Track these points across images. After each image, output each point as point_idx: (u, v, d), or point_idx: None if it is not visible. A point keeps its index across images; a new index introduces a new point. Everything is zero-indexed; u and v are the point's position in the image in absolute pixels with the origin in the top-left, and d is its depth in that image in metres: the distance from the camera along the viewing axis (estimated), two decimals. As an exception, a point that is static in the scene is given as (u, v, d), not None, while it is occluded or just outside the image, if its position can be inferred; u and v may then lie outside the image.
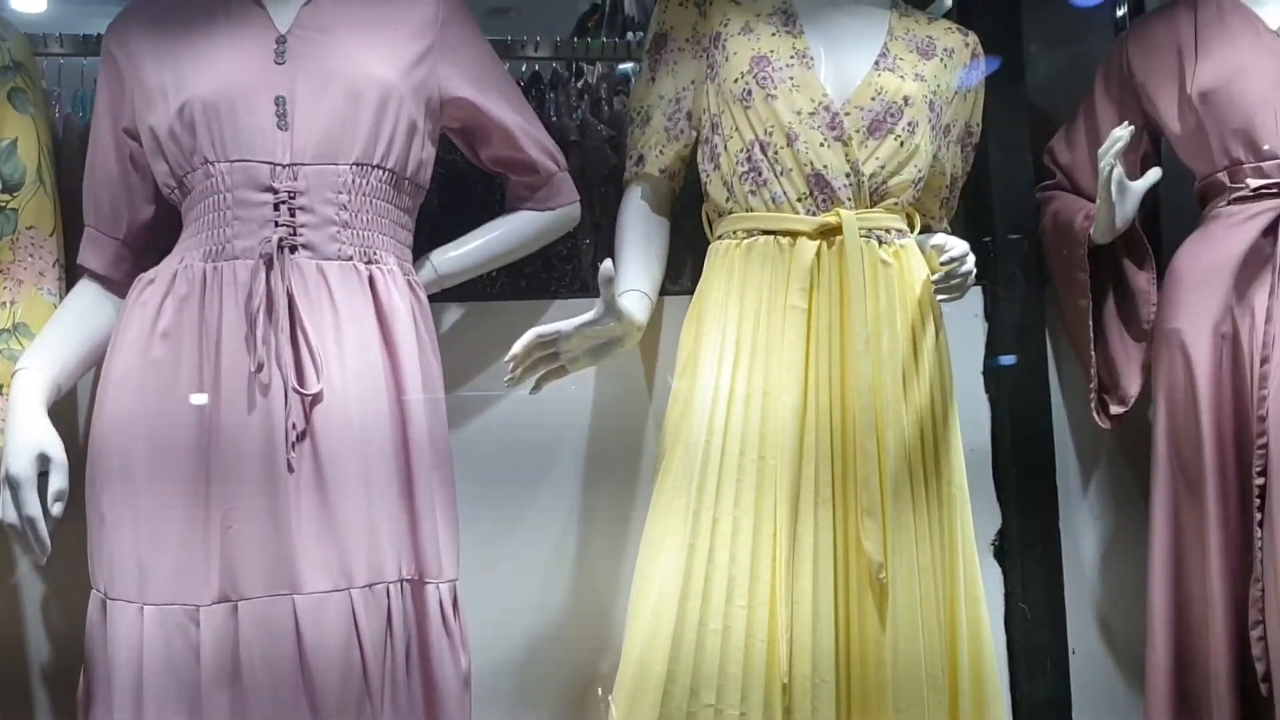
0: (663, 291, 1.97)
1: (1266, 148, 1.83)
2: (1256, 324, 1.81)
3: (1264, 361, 1.78)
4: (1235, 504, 1.82)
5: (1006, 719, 1.83)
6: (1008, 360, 2.08)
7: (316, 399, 1.58)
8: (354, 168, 1.65)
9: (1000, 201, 2.10)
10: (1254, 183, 1.84)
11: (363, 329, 1.64)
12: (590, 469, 1.97)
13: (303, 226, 1.63)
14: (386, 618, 1.58)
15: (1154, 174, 1.92)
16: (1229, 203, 1.88)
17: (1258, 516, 1.77)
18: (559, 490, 1.96)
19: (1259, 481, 1.77)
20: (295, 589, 1.51)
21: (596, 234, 2.04)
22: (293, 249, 1.62)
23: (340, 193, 1.65)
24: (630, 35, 2.55)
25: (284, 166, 1.62)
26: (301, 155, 1.63)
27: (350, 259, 1.65)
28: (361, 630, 1.54)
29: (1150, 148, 2.09)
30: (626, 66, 2.35)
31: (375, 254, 1.68)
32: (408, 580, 1.63)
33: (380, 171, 1.68)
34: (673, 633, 1.67)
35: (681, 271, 2.03)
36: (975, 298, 2.12)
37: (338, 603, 1.53)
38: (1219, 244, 1.88)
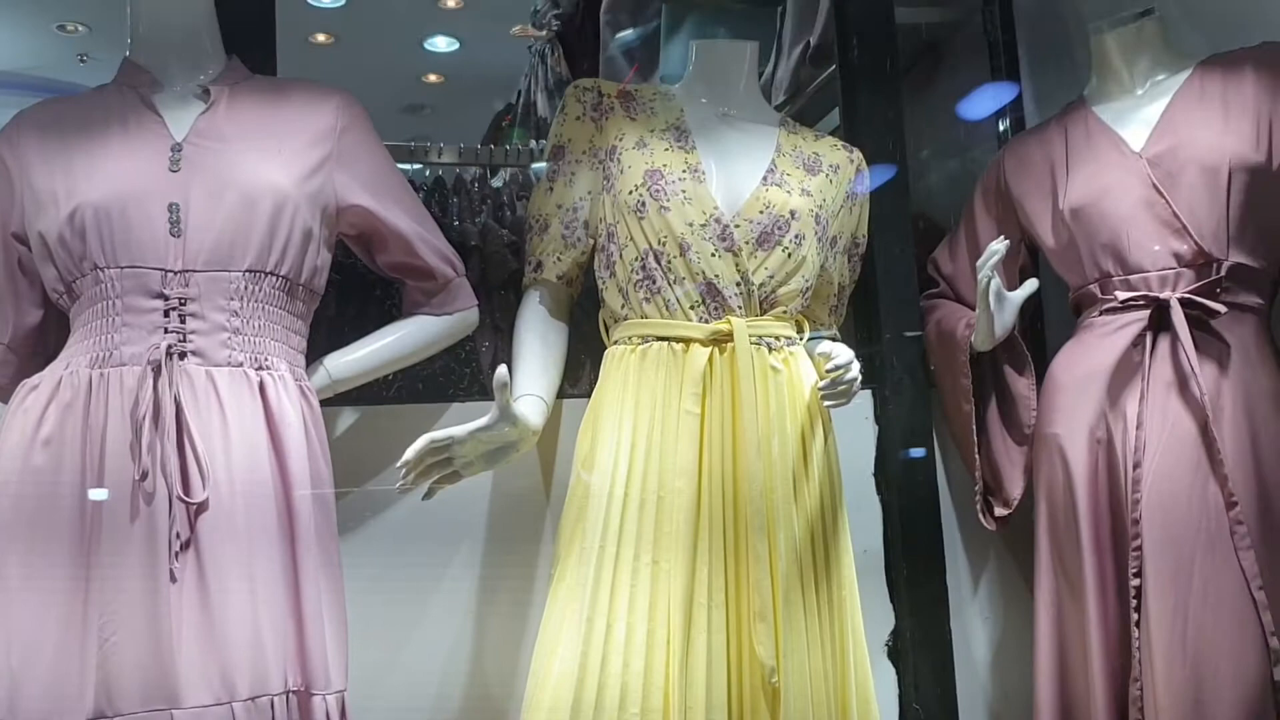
0: (562, 394, 1.99)
1: (1132, 262, 1.93)
2: (1129, 429, 1.88)
3: (1136, 465, 1.85)
4: (1114, 604, 1.87)
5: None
6: (907, 455, 2.14)
7: (202, 508, 1.57)
8: (247, 274, 1.66)
9: (887, 309, 2.17)
10: (1122, 295, 1.93)
11: (251, 436, 1.63)
12: (486, 573, 1.97)
13: (192, 333, 1.62)
14: (271, 730, 1.55)
15: (1030, 285, 2.01)
16: (1100, 313, 1.97)
17: (1134, 617, 1.82)
18: (454, 595, 1.95)
19: (1135, 582, 1.83)
20: (174, 703, 1.48)
21: (496, 337, 2.07)
22: (182, 355, 1.61)
23: (232, 299, 1.65)
24: (536, 142, 2.61)
25: (175, 273, 1.62)
26: (193, 262, 1.63)
27: (240, 365, 1.65)
28: (243, 745, 1.50)
29: (1028, 259, 2.18)
30: (540, 165, 2.40)
31: (266, 360, 1.68)
32: (294, 691, 1.60)
33: (274, 278, 1.69)
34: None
35: (580, 375, 2.06)
36: (865, 401, 2.18)
37: (218, 717, 1.50)
38: (1092, 352, 1.96)
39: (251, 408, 1.64)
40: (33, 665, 1.50)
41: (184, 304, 1.63)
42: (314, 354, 1.81)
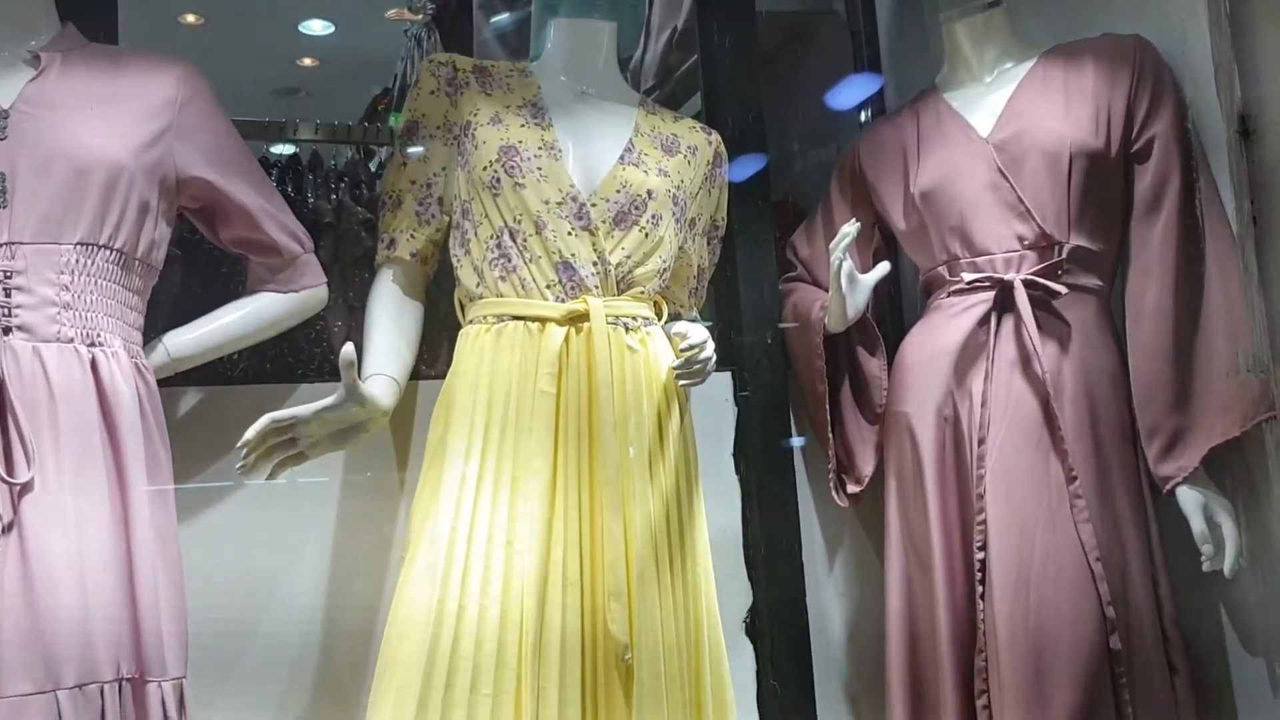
0: (418, 376, 1.96)
1: (979, 244, 1.98)
2: (975, 407, 1.93)
3: (981, 442, 1.90)
4: (961, 578, 1.92)
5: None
6: (765, 436, 2.16)
7: (26, 489, 1.50)
8: (78, 248, 1.60)
9: (746, 292, 2.19)
10: (969, 276, 1.98)
11: (82, 415, 1.56)
12: (338, 559, 1.92)
13: (19, 307, 1.55)
14: (100, 718, 1.49)
15: (882, 268, 2.05)
16: (948, 295, 2.02)
17: (979, 590, 1.87)
18: (302, 582, 1.90)
19: (979, 556, 1.88)
20: (-9, 693, 1.41)
21: (350, 317, 2.02)
22: (7, 330, 1.54)
23: (62, 273, 1.58)
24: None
25: (1, 245, 1.55)
26: (20, 234, 1.56)
27: (71, 341, 1.58)
28: (68, 735, 1.44)
29: (882, 243, 2.23)
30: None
31: (99, 336, 1.61)
32: (127, 679, 1.54)
33: (107, 252, 1.62)
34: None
35: (438, 356, 2.03)
36: (725, 383, 2.19)
37: (41, 706, 1.43)
38: (940, 333, 2.01)
39: (82, 385, 1.58)
40: None
41: (9, 277, 1.55)
42: (157, 334, 1.75)
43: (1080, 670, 1.79)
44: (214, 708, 1.73)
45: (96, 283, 1.62)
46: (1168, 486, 1.88)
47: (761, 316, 2.18)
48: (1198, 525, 1.86)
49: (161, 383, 1.73)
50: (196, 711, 1.63)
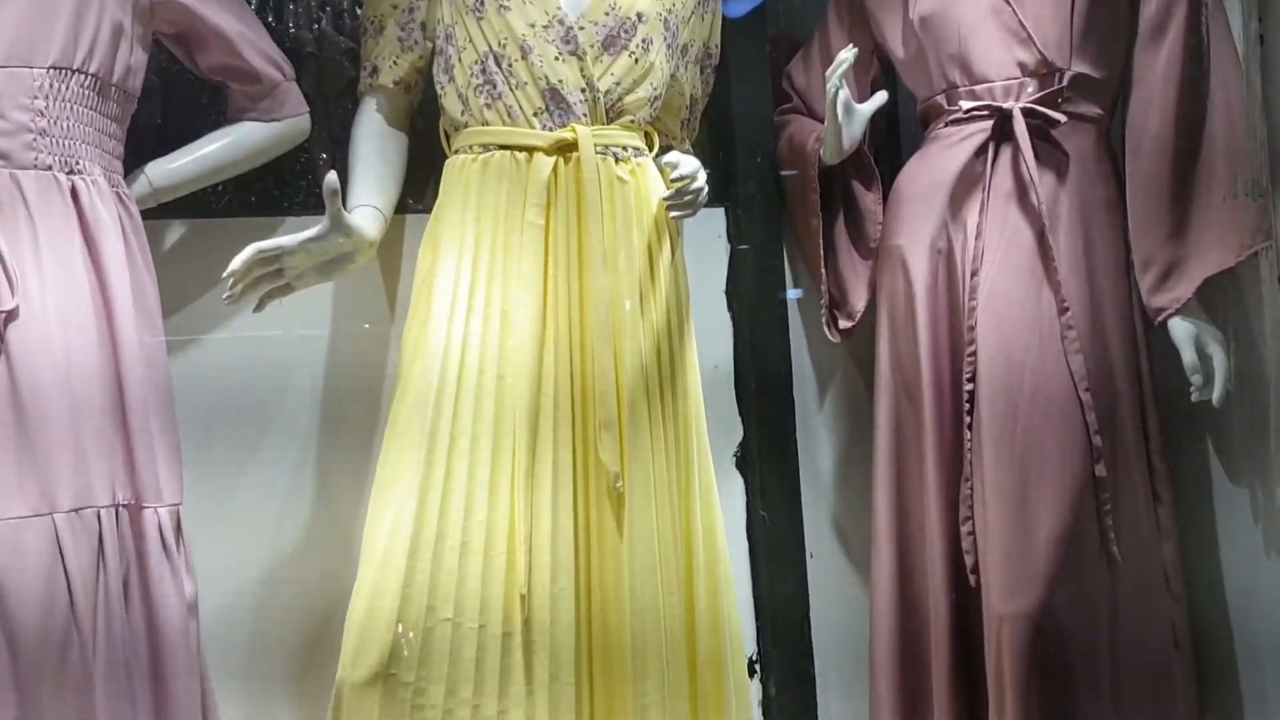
0: (405, 209, 1.94)
1: (978, 71, 1.93)
2: (969, 239, 1.91)
3: (974, 274, 1.89)
4: (949, 409, 1.93)
5: (742, 617, 1.91)
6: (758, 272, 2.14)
7: (11, 316, 1.50)
8: (51, 71, 1.56)
9: (741, 125, 2.14)
10: (967, 105, 1.93)
11: (65, 243, 1.55)
12: (329, 394, 1.93)
13: None
14: (98, 544, 1.52)
15: (879, 97, 2.00)
16: (946, 124, 1.98)
17: (967, 420, 1.88)
18: (295, 417, 1.91)
19: (968, 388, 1.88)
20: (-13, 516, 1.43)
21: (335, 149, 1.98)
22: (-19, 157, 1.51)
23: (36, 98, 1.55)
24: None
25: None
26: None
27: (49, 169, 1.56)
28: (67, 557, 1.47)
29: (880, 72, 2.16)
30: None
31: (78, 164, 1.59)
32: (123, 505, 1.56)
33: (82, 76, 1.58)
34: (409, 549, 1.66)
35: (424, 189, 1.99)
36: (718, 219, 2.17)
37: (38, 529, 1.46)
38: (936, 164, 1.97)
39: (63, 213, 1.56)
40: None
41: (-19, 103, 1.52)
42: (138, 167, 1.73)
43: (1065, 497, 1.81)
44: (209, 541, 1.75)
45: (73, 108, 1.59)
46: (1160, 318, 1.88)
47: (756, 150, 2.14)
48: (1188, 356, 1.86)
49: (145, 215, 1.71)
50: (193, 541, 1.66)
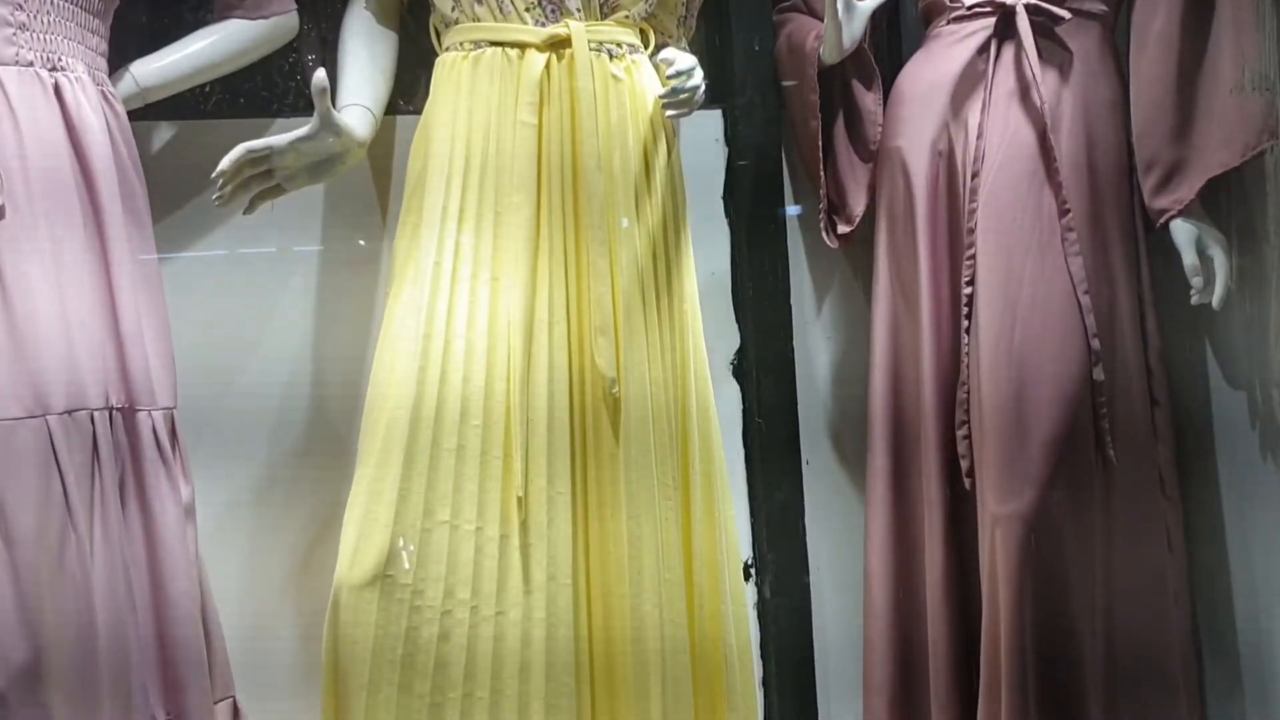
0: (396, 110, 1.90)
1: (981, -34, 1.89)
2: (970, 140, 1.88)
3: (975, 175, 1.86)
4: (948, 313, 1.92)
5: (735, 534, 1.91)
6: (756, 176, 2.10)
7: (-2, 215, 1.47)
8: None
9: (739, 24, 2.09)
10: (969, 1, 1.89)
11: (49, 141, 1.52)
12: (322, 297, 1.91)
13: None
14: (92, 445, 1.51)
15: (879, -6, 1.95)
16: (948, 22, 1.93)
17: (965, 324, 1.87)
18: (289, 319, 1.89)
19: (966, 290, 1.87)
20: (-20, 417, 1.42)
21: (323, 49, 1.94)
22: (-42, 54, 1.47)
23: (14, -9, 1.51)
24: None
25: None
26: None
27: (31, 65, 1.52)
28: (61, 459, 1.46)
29: (882, -29, 2.11)
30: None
31: (60, 61, 1.55)
32: (116, 409, 1.55)
33: None
34: (404, 455, 1.65)
35: (415, 90, 1.96)
36: (715, 121, 2.13)
37: (32, 430, 1.45)
38: (938, 63, 1.94)
39: (47, 111, 1.53)
40: None
41: (-43, -3, 1.48)
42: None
43: (1062, 400, 1.81)
44: (204, 442, 1.75)
45: (54, 3, 1.54)
46: (1161, 219, 1.86)
47: (754, 50, 2.09)
48: (1189, 258, 1.84)
49: (133, 116, 1.67)
50: (187, 452, 1.65)
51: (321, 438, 1.89)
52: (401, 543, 1.64)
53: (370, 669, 1.63)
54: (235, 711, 1.68)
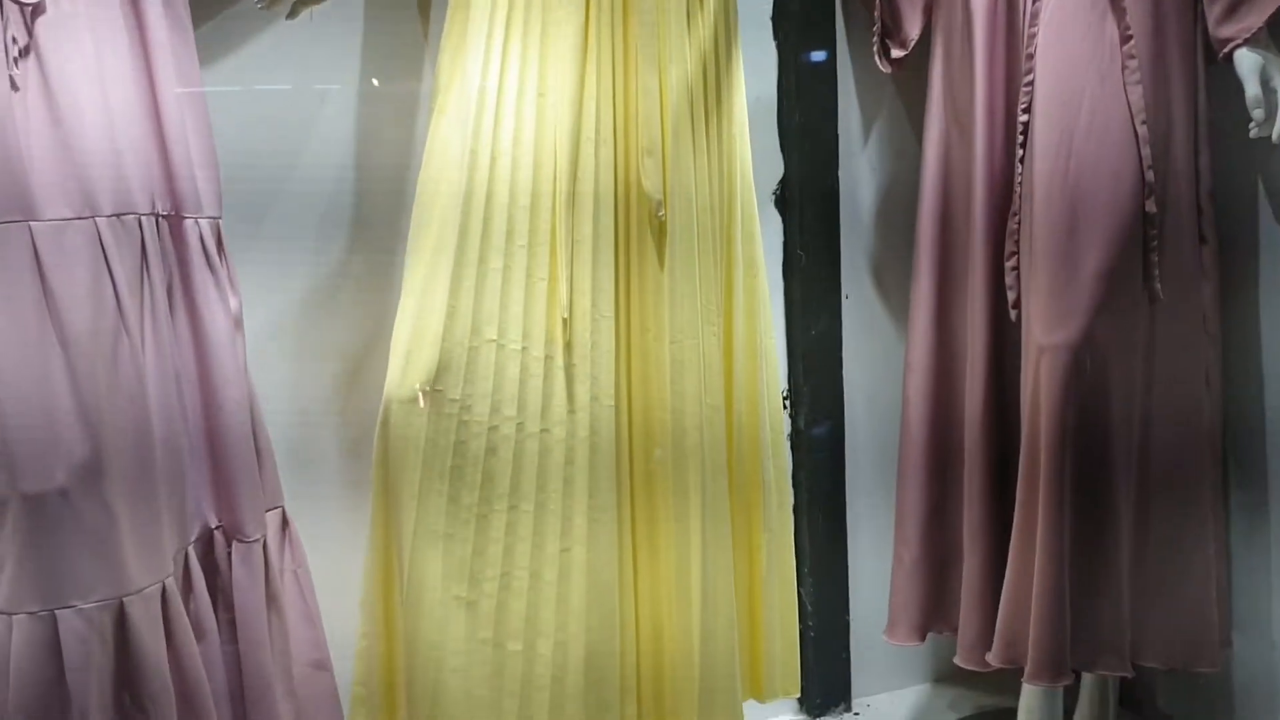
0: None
1: None
2: (1033, -37, 1.81)
3: (1035, 0, 1.80)
4: (1001, 141, 1.88)
5: (774, 352, 1.92)
6: None
7: (39, 10, 1.42)
8: None
9: None
10: None
11: None
12: (365, 110, 1.86)
13: None
14: (141, 251, 1.50)
15: None
16: None
17: (1020, 153, 1.83)
18: (332, 130, 1.85)
19: (1023, 118, 1.83)
20: (30, 215, 1.40)
21: None
22: None
23: None
24: None
25: None
26: None
27: None
28: (112, 260, 1.45)
29: None
30: None
31: None
32: (163, 216, 1.54)
33: None
34: (452, 272, 1.65)
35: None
36: (765, -58, 2.06)
37: (82, 231, 1.44)
38: (1004, -124, 1.85)
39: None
40: None
41: None
42: None
43: (1113, 230, 1.78)
44: (249, 259, 1.73)
45: None
46: (1225, 49, 1.80)
47: None
48: (1252, 89, 1.79)
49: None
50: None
51: (365, 251, 1.87)
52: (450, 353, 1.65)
53: (420, 480, 1.65)
54: (284, 521, 1.71)
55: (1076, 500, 1.78)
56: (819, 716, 2.22)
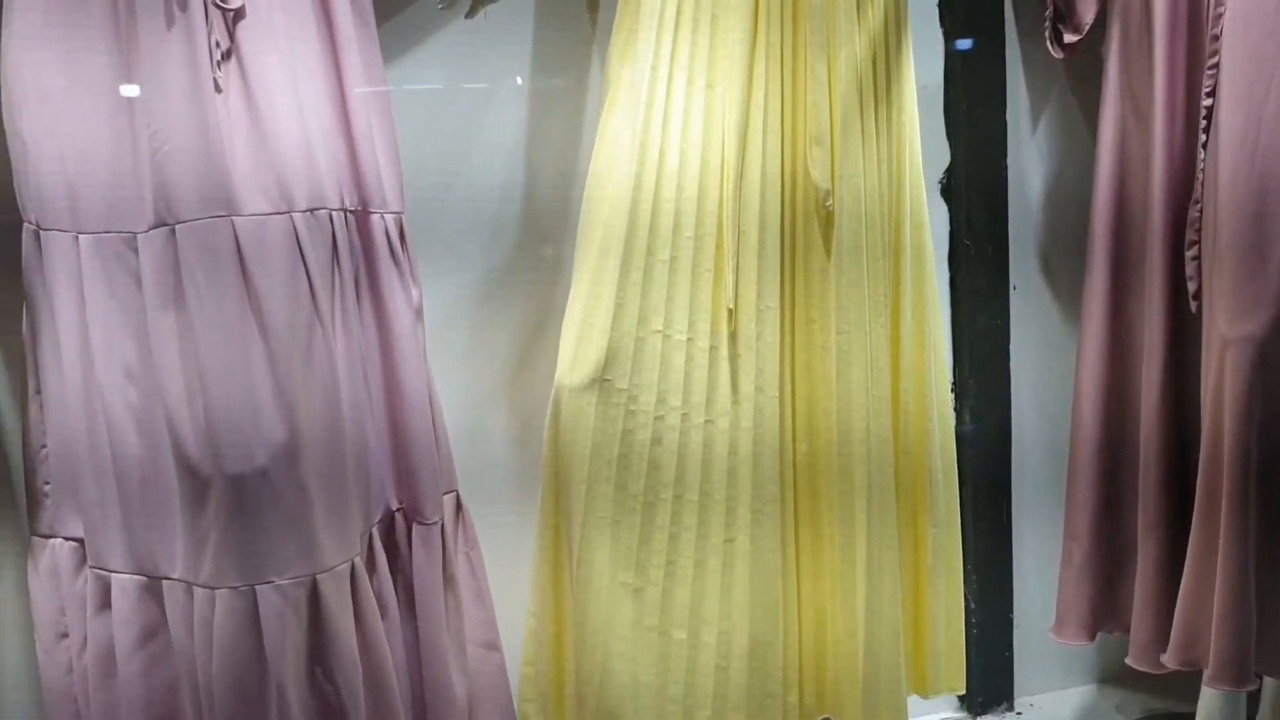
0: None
1: None
2: (1220, -58, 1.74)
3: (1222, -21, 1.73)
4: (1182, 126, 1.81)
5: (943, 344, 1.89)
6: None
7: (239, 14, 1.50)
8: None
9: None
10: None
11: None
12: (534, 102, 1.90)
13: None
14: (331, 244, 1.57)
15: None
16: None
17: (1203, 138, 1.77)
18: (501, 146, 1.89)
19: (1207, 103, 1.76)
20: (233, 211, 1.48)
21: None
22: None
23: None
24: None
25: None
26: None
27: None
28: (306, 253, 1.52)
29: None
30: None
31: None
32: (351, 211, 1.61)
33: None
34: (620, 263, 1.67)
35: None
36: (932, -75, 2.03)
37: (279, 225, 1.51)
38: None
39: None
40: (89, 177, 1.50)
41: None
42: None
43: (1306, 218, 1.71)
44: (424, 252, 1.79)
45: None
46: None
47: None
48: None
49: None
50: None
51: (535, 244, 1.91)
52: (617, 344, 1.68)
53: (589, 467, 1.68)
54: (458, 504, 1.76)
55: (1262, 498, 1.71)
56: (980, 715, 2.18)
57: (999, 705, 2.19)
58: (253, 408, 1.46)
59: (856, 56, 1.73)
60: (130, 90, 1.49)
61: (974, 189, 2.05)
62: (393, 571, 1.67)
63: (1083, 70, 2.02)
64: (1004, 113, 2.05)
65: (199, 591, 1.48)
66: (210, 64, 1.48)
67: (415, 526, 1.68)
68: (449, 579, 1.71)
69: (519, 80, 1.89)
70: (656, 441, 1.70)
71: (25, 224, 1.55)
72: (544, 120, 1.90)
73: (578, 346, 1.69)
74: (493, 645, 1.79)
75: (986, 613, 2.14)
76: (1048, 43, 1.97)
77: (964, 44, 2.04)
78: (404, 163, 1.70)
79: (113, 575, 1.54)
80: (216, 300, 1.47)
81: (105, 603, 1.55)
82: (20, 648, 1.71)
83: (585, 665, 1.71)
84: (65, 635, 1.59)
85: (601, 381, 1.68)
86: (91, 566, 1.56)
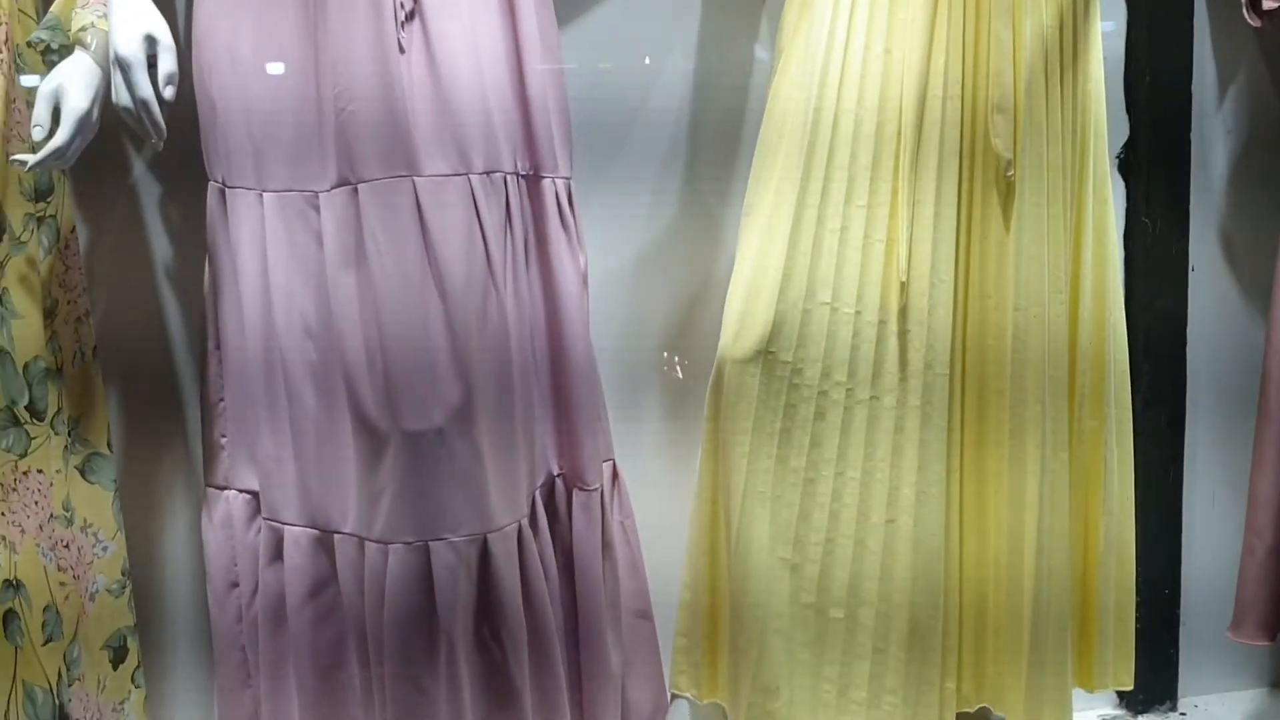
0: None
1: None
2: None
3: None
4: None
5: (1122, 325, 1.81)
6: None
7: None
8: None
9: None
10: None
11: None
12: (703, 61, 1.87)
13: None
14: (505, 207, 1.57)
15: None
16: None
17: None
18: (666, 111, 1.86)
19: None
20: (415, 171, 1.49)
21: None
22: None
23: None
24: None
25: None
26: None
27: None
28: (483, 215, 1.52)
29: None
30: None
31: None
32: (523, 175, 1.60)
33: None
34: (789, 233, 1.64)
35: None
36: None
37: (458, 187, 1.51)
38: None
39: None
40: (275, 136, 1.53)
41: None
42: None
43: None
44: (588, 215, 1.78)
45: None
46: None
47: None
48: None
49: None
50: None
51: (697, 212, 1.88)
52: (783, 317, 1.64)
53: (750, 441, 1.66)
54: (615, 473, 1.76)
55: None
56: (1141, 714, 2.10)
57: (1161, 705, 2.10)
58: (431, 367, 1.47)
59: (1043, 22, 1.66)
60: (316, 52, 1.51)
61: (1154, 164, 1.96)
62: (553, 536, 1.67)
63: (1278, 40, 1.91)
64: (1189, 85, 1.95)
65: (371, 546, 1.50)
66: (395, 26, 1.49)
67: (576, 492, 1.68)
68: (607, 546, 1.71)
69: (684, 55, 1.86)
70: (819, 416, 1.66)
71: (211, 182, 1.58)
72: (711, 86, 1.87)
73: (743, 318, 1.66)
74: (644, 615, 1.78)
75: (1152, 607, 2.05)
76: (1244, 9, 1.86)
77: (1173, 9, 1.95)
78: (574, 125, 1.69)
79: (286, 528, 1.57)
80: (397, 260, 1.48)
81: (277, 554, 1.58)
82: (193, 596, 1.76)
83: (741, 640, 1.69)
84: (236, 585, 1.63)
85: (766, 354, 1.65)
86: (265, 518, 1.59)
